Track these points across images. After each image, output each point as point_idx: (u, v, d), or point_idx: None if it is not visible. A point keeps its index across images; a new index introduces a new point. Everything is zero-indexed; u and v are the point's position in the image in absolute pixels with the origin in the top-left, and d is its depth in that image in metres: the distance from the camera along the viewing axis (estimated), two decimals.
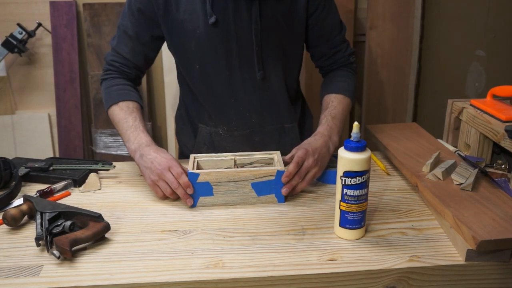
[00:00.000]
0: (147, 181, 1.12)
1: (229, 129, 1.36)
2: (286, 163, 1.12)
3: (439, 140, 1.35)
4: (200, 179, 1.07)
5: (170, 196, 1.10)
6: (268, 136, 1.38)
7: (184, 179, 1.07)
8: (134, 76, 1.33)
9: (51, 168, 1.26)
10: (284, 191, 1.09)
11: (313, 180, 1.15)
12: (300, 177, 1.10)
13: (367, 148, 0.92)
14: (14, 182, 1.15)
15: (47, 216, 0.95)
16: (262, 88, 1.30)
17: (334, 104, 1.28)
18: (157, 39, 1.29)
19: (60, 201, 1.11)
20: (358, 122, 0.92)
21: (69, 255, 0.88)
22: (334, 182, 0.99)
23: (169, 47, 1.30)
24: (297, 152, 1.12)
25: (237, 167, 1.17)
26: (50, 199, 1.13)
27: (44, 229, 0.93)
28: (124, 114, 1.23)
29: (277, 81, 1.31)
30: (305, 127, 1.48)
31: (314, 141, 1.17)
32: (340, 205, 0.94)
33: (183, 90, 1.41)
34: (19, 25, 2.18)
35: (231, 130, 1.36)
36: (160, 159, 1.10)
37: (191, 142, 1.44)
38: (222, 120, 1.35)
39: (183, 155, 1.50)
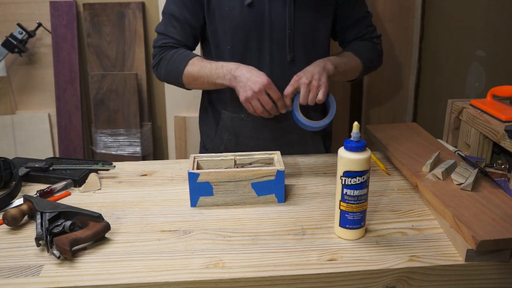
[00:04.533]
0: (241, 98, 1.21)
1: (251, 114, 1.35)
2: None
3: (439, 140, 1.35)
4: (200, 179, 1.07)
5: (261, 114, 1.22)
6: (290, 123, 1.34)
7: (281, 102, 1.21)
8: (189, 47, 1.39)
9: (51, 168, 1.26)
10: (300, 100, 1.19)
11: (318, 90, 1.20)
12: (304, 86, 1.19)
13: (367, 148, 0.92)
14: (14, 182, 1.15)
15: (47, 216, 0.95)
16: (289, 72, 1.31)
17: (342, 54, 1.36)
18: (203, 20, 1.34)
19: (60, 201, 1.11)
20: (358, 122, 0.92)
21: (69, 255, 0.88)
22: (299, 123, 1.23)
23: (208, 29, 1.34)
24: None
25: (237, 167, 1.17)
26: (50, 199, 1.13)
27: (44, 229, 0.93)
28: (198, 66, 1.28)
29: (305, 66, 1.31)
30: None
31: (308, 67, 1.24)
32: (340, 205, 0.94)
33: None
34: (19, 25, 2.18)
35: (253, 115, 1.35)
36: (254, 78, 1.18)
37: (213, 130, 1.45)
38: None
39: (204, 148, 1.51)
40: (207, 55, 1.41)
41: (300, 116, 1.24)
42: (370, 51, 1.42)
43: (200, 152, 1.53)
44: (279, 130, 1.39)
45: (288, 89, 1.21)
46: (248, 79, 1.19)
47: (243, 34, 1.29)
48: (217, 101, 1.42)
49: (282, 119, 1.37)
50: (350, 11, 1.38)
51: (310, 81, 1.19)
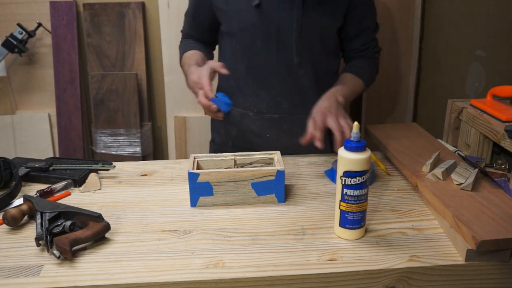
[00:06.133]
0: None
1: (259, 112, 1.38)
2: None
3: (439, 140, 1.35)
4: (200, 179, 1.07)
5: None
6: (297, 125, 1.36)
7: (202, 100, 1.14)
8: (206, 41, 1.47)
9: (51, 168, 1.26)
10: (317, 144, 1.13)
11: (346, 124, 1.16)
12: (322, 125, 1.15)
13: (367, 148, 0.92)
14: (14, 182, 1.15)
15: (47, 216, 0.95)
16: (296, 74, 1.33)
17: (346, 79, 1.36)
18: (216, 19, 1.38)
19: (60, 201, 1.11)
20: (358, 122, 0.92)
21: (69, 255, 0.88)
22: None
23: (220, 28, 1.39)
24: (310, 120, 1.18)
25: (237, 167, 1.17)
26: (50, 199, 1.13)
27: (44, 229, 0.93)
28: (185, 60, 1.37)
29: (312, 70, 1.34)
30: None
31: (320, 103, 1.21)
32: (340, 205, 0.94)
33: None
34: (19, 25, 2.18)
35: (261, 113, 1.38)
36: (193, 74, 1.21)
37: (222, 125, 1.48)
38: (254, 102, 1.38)
39: (213, 142, 1.54)
40: (221, 50, 1.45)
41: None
42: (371, 69, 1.43)
43: (210, 147, 1.57)
44: (285, 131, 1.40)
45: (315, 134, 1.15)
46: (190, 80, 1.24)
47: (250, 35, 1.30)
48: (228, 96, 1.44)
49: (288, 120, 1.38)
50: (360, 20, 1.36)
51: (337, 122, 1.16)
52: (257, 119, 1.40)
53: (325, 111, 1.17)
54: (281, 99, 1.36)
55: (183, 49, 1.43)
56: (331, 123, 1.14)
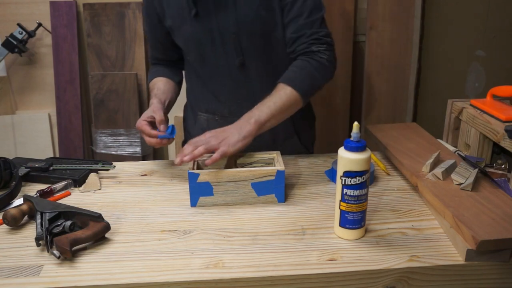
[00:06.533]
0: None
1: (223, 117, 1.39)
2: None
3: (439, 140, 1.35)
4: (200, 179, 1.07)
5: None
6: None
7: (151, 141, 1.18)
8: (173, 60, 1.45)
9: (51, 168, 1.26)
10: (176, 160, 1.10)
11: (208, 151, 1.11)
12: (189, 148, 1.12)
13: (367, 148, 0.92)
14: (14, 182, 1.15)
15: (47, 216, 0.95)
16: (248, 75, 1.32)
17: (272, 94, 1.21)
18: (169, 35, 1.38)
19: (60, 201, 1.11)
20: (358, 122, 0.92)
21: (69, 255, 0.88)
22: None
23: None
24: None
25: (237, 167, 1.17)
26: (50, 199, 1.13)
27: (44, 229, 0.93)
28: (151, 91, 1.39)
29: (263, 68, 1.32)
30: (306, 127, 1.48)
31: (228, 126, 1.17)
32: (340, 205, 0.94)
33: (186, 79, 1.48)
34: (19, 25, 2.18)
35: (225, 117, 1.39)
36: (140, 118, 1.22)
37: (193, 129, 1.48)
38: (217, 108, 1.39)
39: (186, 142, 1.53)
40: (185, 63, 1.46)
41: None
42: (310, 74, 1.22)
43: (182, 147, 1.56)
44: None
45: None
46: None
47: (196, 45, 1.31)
48: (194, 104, 1.46)
49: None
50: (291, 4, 1.24)
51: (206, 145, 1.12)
52: (223, 123, 1.37)
53: (207, 133, 1.16)
54: (241, 101, 1.35)
55: (149, 79, 1.44)
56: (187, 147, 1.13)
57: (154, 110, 1.22)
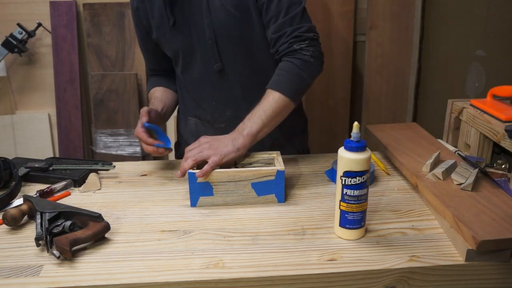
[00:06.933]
0: None
1: (209, 122, 1.40)
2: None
3: (439, 140, 1.35)
4: (200, 179, 1.07)
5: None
6: None
7: (146, 148, 1.20)
8: (168, 70, 1.45)
9: (51, 168, 1.26)
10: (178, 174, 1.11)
11: (197, 160, 1.11)
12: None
13: (367, 148, 0.92)
14: (14, 182, 1.15)
15: (47, 216, 0.95)
16: (219, 82, 1.32)
17: (262, 101, 1.20)
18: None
19: (60, 201, 1.11)
20: (358, 122, 0.92)
21: (69, 255, 0.88)
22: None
23: None
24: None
25: (237, 167, 1.17)
26: (50, 199, 1.13)
27: (44, 229, 0.92)
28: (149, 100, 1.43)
29: (244, 72, 1.31)
30: (296, 129, 1.47)
31: (222, 136, 1.18)
32: (340, 205, 0.94)
33: (177, 86, 1.49)
34: (19, 25, 2.18)
35: (211, 123, 1.40)
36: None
37: (184, 132, 1.50)
38: (203, 114, 1.40)
39: (178, 144, 1.57)
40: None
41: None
42: (296, 75, 1.19)
43: (175, 149, 1.59)
44: None
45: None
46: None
47: (178, 53, 1.32)
48: (185, 109, 1.47)
49: (234, 127, 1.26)
50: (268, 3, 1.20)
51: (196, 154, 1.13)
52: (209, 128, 1.41)
53: (201, 139, 1.17)
54: (223, 107, 1.36)
55: (147, 90, 1.48)
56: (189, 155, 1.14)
57: (142, 111, 1.24)
